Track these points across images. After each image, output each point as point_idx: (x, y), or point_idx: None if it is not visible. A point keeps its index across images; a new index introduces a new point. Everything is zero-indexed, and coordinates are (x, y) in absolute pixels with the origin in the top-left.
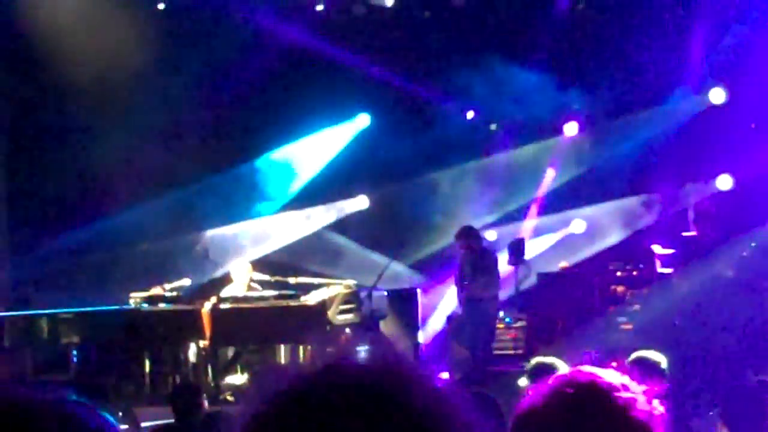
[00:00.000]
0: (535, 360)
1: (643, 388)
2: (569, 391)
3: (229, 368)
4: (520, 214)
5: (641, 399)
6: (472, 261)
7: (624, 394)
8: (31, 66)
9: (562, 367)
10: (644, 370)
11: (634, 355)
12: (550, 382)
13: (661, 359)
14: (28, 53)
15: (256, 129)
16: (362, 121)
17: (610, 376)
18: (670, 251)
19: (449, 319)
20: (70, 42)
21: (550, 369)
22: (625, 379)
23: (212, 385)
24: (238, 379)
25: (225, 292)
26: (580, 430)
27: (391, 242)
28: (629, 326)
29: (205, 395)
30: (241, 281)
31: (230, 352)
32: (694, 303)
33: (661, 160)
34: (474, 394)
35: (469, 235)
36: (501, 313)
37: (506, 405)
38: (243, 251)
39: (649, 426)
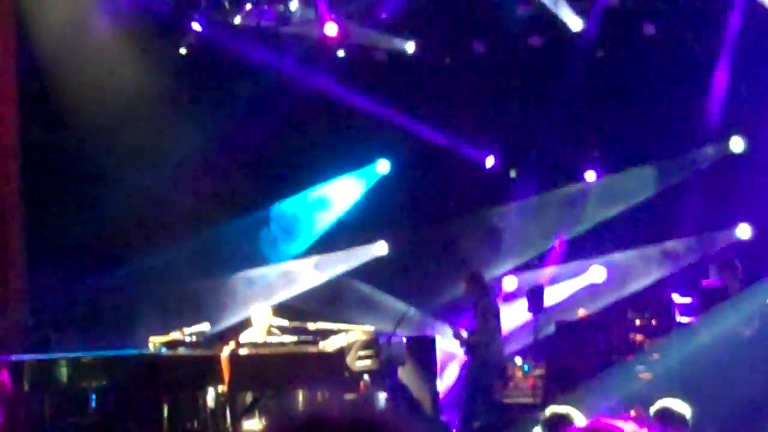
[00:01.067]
0: (550, 410)
1: None
2: None
3: (247, 414)
4: (540, 262)
5: None
6: (474, 307)
7: None
8: (54, 109)
9: (577, 417)
10: (668, 420)
11: (658, 405)
12: None
13: (685, 410)
14: (50, 97)
15: (276, 174)
16: (382, 166)
17: (629, 428)
18: (688, 300)
19: (462, 367)
20: (92, 85)
21: (564, 419)
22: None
23: (230, 430)
24: (255, 424)
25: (244, 337)
26: None
27: (410, 288)
28: (648, 375)
29: None
30: (261, 325)
31: (248, 397)
32: (713, 355)
33: (680, 209)
34: None
35: (472, 280)
36: (519, 361)
37: None
38: (262, 297)
39: None
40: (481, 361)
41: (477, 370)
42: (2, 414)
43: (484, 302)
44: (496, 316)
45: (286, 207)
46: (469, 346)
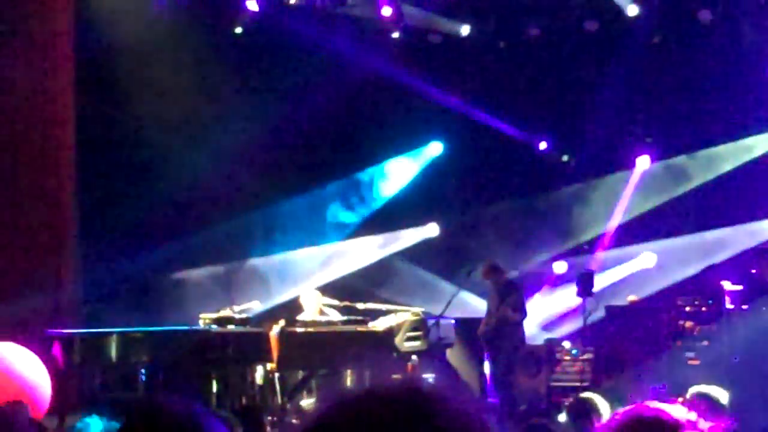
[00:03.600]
0: (575, 396)
1: (710, 424)
2: (635, 427)
3: (296, 391)
4: (591, 247)
5: None
6: (500, 293)
7: (690, 431)
8: (110, 87)
9: (602, 405)
10: (705, 406)
11: (694, 390)
12: (617, 416)
13: (721, 395)
14: (107, 76)
15: (330, 154)
16: (435, 148)
17: (677, 411)
18: (739, 287)
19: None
20: (146, 63)
21: (589, 406)
22: (692, 416)
23: (279, 407)
24: (305, 402)
25: (298, 318)
26: None
27: (459, 271)
28: (697, 362)
29: (271, 418)
30: (312, 308)
31: (299, 375)
32: (761, 341)
33: (734, 196)
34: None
35: (492, 271)
36: (567, 345)
37: None
38: (312, 276)
39: None
40: (497, 352)
41: (492, 359)
42: (53, 387)
43: (509, 285)
44: (517, 308)
45: (337, 187)
46: (502, 323)
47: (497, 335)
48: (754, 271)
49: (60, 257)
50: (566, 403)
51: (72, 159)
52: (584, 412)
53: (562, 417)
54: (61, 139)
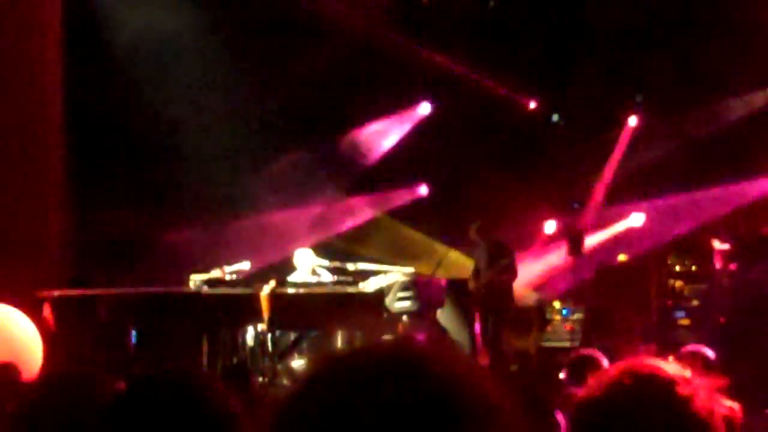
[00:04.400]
0: (575, 353)
1: (705, 381)
2: (629, 382)
3: (287, 353)
4: (581, 206)
5: (702, 394)
6: (490, 253)
7: (685, 388)
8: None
9: (603, 360)
10: (699, 364)
11: (687, 349)
12: (609, 372)
13: (710, 354)
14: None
15: (320, 114)
16: (424, 108)
17: (671, 368)
18: (728, 246)
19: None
20: (136, 27)
21: (590, 362)
22: (687, 372)
23: (270, 369)
24: (295, 363)
25: (289, 279)
26: (639, 421)
27: (450, 231)
28: (687, 322)
29: (262, 379)
30: (305, 268)
31: (290, 336)
32: (751, 300)
33: (723, 155)
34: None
35: (482, 230)
36: (558, 305)
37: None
38: (303, 236)
39: (709, 421)
40: (488, 312)
41: (483, 320)
42: (44, 349)
43: (497, 245)
44: (508, 271)
45: (326, 148)
46: (476, 294)
47: (488, 295)
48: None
49: (48, 218)
50: (566, 361)
51: (61, 122)
52: (585, 369)
53: (563, 374)
54: (49, 101)
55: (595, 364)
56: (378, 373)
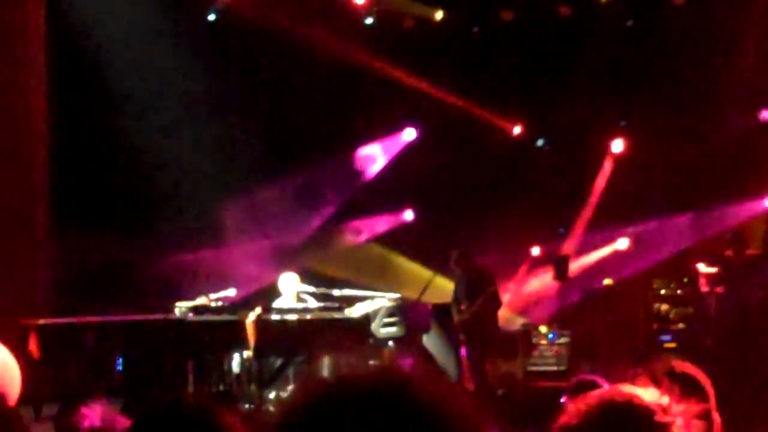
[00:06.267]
0: (577, 378)
1: (683, 408)
2: (605, 412)
3: (273, 379)
4: (565, 231)
5: (679, 422)
6: (469, 281)
7: (661, 417)
8: (83, 76)
9: (605, 386)
10: (684, 386)
11: (675, 370)
12: (588, 400)
13: (701, 377)
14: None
15: (305, 142)
16: (408, 134)
17: (650, 396)
18: (714, 270)
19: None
20: (121, 54)
21: (592, 387)
22: (665, 400)
23: (256, 395)
24: (282, 390)
25: (275, 305)
26: None
27: (435, 256)
28: (672, 345)
29: (248, 406)
30: (290, 293)
31: (275, 363)
32: (734, 324)
33: (709, 178)
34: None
35: (462, 258)
36: (544, 329)
37: (549, 422)
38: (289, 262)
39: None
40: (473, 337)
41: (469, 345)
42: (28, 377)
43: (480, 274)
44: (488, 297)
45: (312, 174)
46: (462, 324)
47: (474, 325)
48: (727, 253)
49: (33, 247)
50: (569, 385)
51: (46, 148)
52: (585, 391)
53: (564, 400)
54: (35, 128)
55: (596, 390)
56: (363, 401)
